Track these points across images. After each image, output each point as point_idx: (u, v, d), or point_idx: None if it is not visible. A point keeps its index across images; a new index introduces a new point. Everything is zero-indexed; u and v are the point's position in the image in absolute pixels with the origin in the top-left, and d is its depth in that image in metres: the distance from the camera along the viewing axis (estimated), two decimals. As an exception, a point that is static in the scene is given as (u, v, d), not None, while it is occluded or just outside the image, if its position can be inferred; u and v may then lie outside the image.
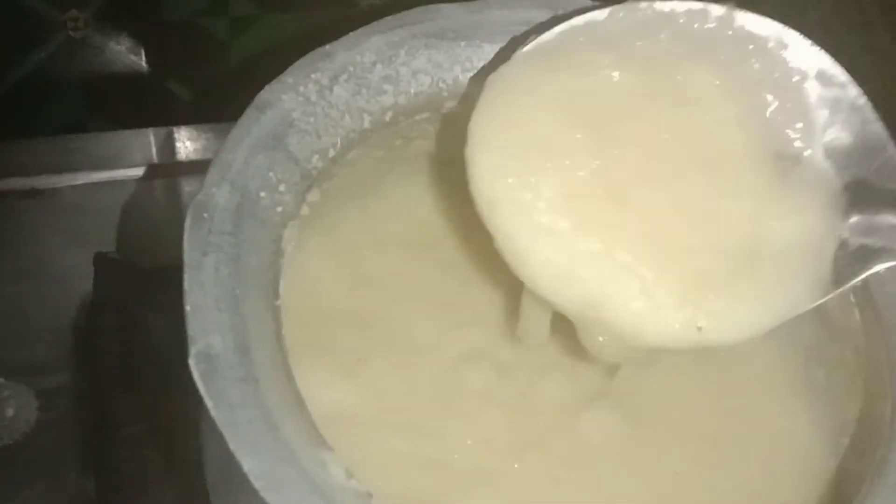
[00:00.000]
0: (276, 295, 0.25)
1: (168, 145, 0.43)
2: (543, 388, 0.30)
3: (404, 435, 0.28)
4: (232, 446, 0.21)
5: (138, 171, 0.42)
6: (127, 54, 0.44)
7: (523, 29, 0.30)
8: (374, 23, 0.29)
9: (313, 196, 0.27)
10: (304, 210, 0.27)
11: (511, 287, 0.32)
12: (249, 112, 0.26)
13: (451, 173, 0.33)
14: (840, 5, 0.45)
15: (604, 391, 0.30)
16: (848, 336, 0.29)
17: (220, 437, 0.21)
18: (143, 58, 0.44)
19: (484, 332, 0.31)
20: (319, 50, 0.28)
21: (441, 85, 0.29)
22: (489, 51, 0.30)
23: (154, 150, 0.43)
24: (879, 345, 0.26)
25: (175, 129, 0.43)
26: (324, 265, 0.31)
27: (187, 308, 0.22)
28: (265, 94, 0.27)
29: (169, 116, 0.44)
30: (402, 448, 0.28)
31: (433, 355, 0.30)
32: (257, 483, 0.20)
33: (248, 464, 0.20)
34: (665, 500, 0.28)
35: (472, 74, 0.30)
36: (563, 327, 0.30)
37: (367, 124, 0.28)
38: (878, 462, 0.23)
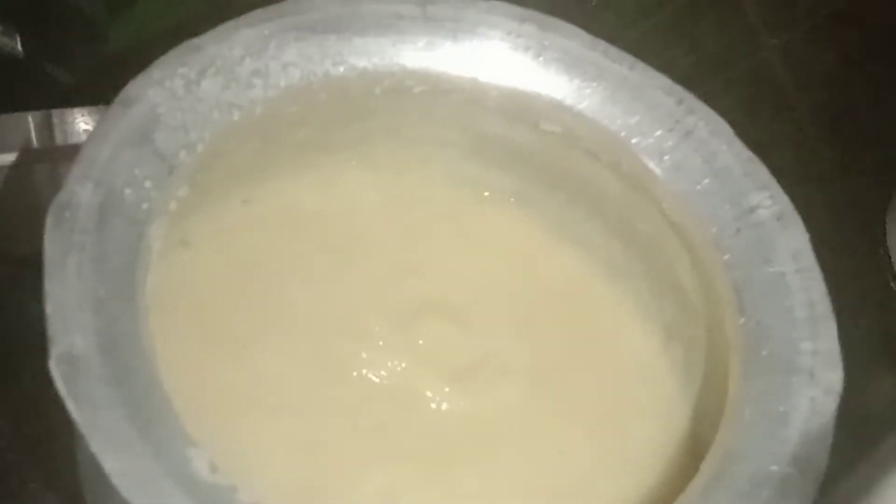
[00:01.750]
0: (143, 292, 0.25)
1: (46, 129, 0.42)
2: (431, 370, 0.31)
3: (290, 419, 0.29)
4: (93, 448, 0.21)
5: (14, 157, 0.41)
6: (1, 37, 0.43)
7: (394, 23, 0.31)
8: (244, 15, 0.29)
9: (182, 191, 0.27)
10: (172, 205, 0.27)
11: (397, 265, 0.33)
12: (114, 108, 0.26)
13: (327, 160, 0.34)
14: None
15: (494, 371, 0.31)
16: (702, 315, 0.30)
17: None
18: (18, 41, 0.43)
19: (371, 311, 0.31)
20: (187, 43, 0.28)
21: (311, 78, 0.30)
22: (359, 44, 0.30)
23: (33, 134, 0.42)
24: (726, 323, 0.28)
25: (53, 112, 0.42)
26: (202, 255, 0.31)
27: (48, 310, 0.22)
28: (130, 89, 0.27)
29: (47, 100, 0.43)
30: (289, 432, 0.28)
31: (319, 338, 0.30)
32: (119, 482, 0.21)
33: (109, 464, 0.21)
34: (551, 479, 0.29)
35: (343, 68, 0.30)
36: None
37: (236, 118, 0.29)
38: (717, 435, 0.25)
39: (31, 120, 0.42)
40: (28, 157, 0.42)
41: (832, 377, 0.25)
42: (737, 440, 0.25)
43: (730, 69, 0.49)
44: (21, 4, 0.42)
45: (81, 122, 0.42)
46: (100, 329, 0.23)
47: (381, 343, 0.31)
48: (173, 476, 0.21)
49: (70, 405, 0.21)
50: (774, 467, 0.24)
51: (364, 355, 0.30)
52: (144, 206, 0.26)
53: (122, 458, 0.21)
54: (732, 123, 0.31)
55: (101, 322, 0.23)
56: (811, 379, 0.25)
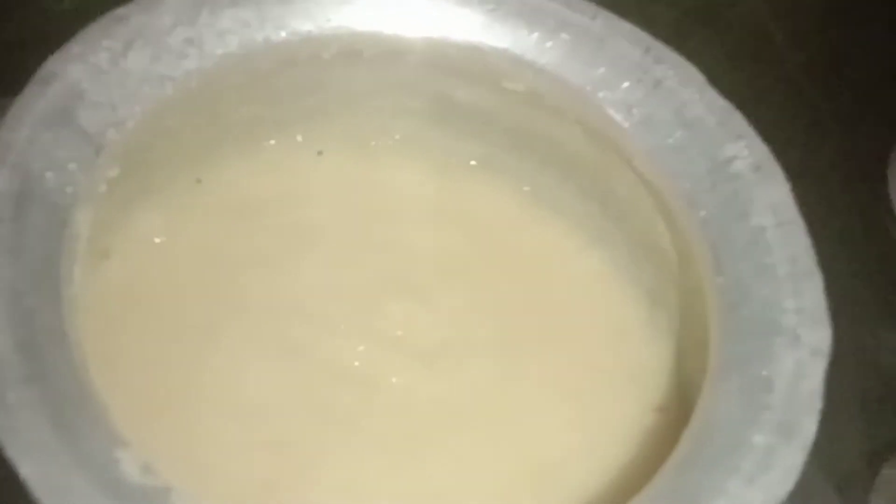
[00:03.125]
0: (71, 282, 0.23)
1: None
2: (396, 353, 0.29)
3: (247, 413, 0.27)
4: (9, 453, 0.19)
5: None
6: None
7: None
8: (172, -18, 0.27)
9: (113, 172, 0.26)
10: (102, 188, 0.25)
11: (357, 245, 0.31)
12: (32, 87, 0.25)
13: (279, 136, 0.32)
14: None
15: (463, 350, 0.30)
16: (681, 278, 0.29)
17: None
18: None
19: (330, 296, 0.30)
20: (111, 14, 0.27)
21: (251, 45, 0.28)
22: (301, 7, 0.28)
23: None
24: (704, 284, 0.26)
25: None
26: (149, 243, 0.30)
27: (-45, 309, 0.21)
28: (49, 65, 0.25)
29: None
30: (246, 428, 0.27)
31: (275, 326, 0.29)
32: (37, 490, 0.19)
33: (26, 470, 0.19)
34: (528, 459, 0.28)
35: (284, 32, 0.28)
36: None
37: (170, 91, 0.27)
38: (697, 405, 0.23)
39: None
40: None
41: (819, 336, 0.24)
42: (717, 409, 0.23)
43: (715, 21, 0.47)
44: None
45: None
46: (17, 325, 0.21)
47: (341, 328, 0.29)
48: (99, 480, 0.20)
49: (-19, 409, 0.20)
50: (758, 437, 0.22)
51: (324, 342, 0.29)
52: (69, 189, 0.24)
53: (40, 462, 0.19)
54: (721, 78, 0.29)
55: (18, 318, 0.21)
56: (796, 340, 0.24)
